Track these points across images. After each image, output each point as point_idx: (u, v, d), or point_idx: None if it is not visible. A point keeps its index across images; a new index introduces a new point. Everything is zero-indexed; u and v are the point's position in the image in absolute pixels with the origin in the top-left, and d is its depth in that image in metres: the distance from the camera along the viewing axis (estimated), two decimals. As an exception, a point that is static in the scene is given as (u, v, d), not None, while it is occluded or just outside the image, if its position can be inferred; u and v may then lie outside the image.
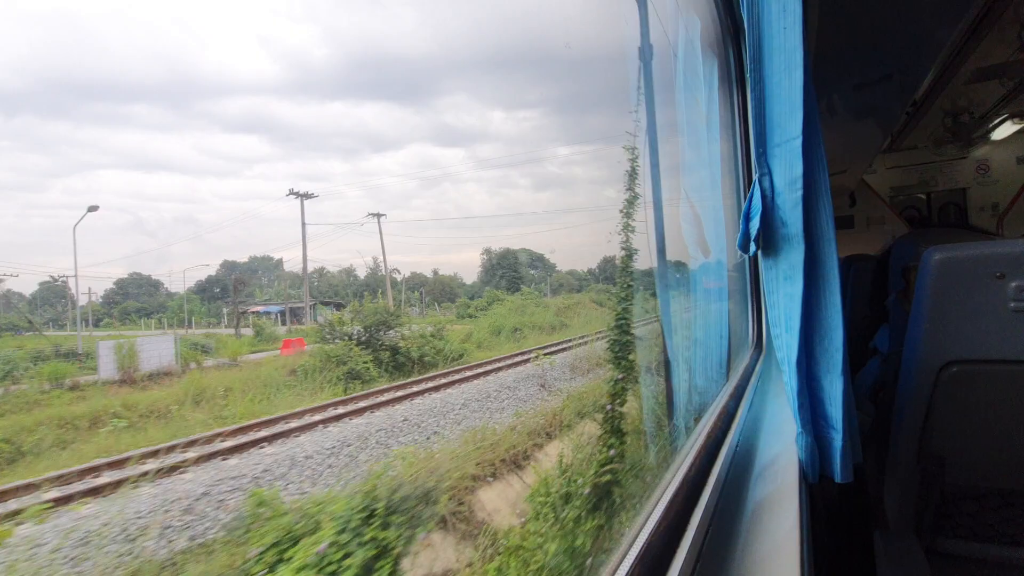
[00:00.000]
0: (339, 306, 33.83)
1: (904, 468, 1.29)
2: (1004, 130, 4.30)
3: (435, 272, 41.96)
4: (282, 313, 33.55)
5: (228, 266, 43.40)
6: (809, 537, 0.75)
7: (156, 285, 41.20)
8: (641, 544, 0.65)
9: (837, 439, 0.94)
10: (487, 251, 43.98)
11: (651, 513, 0.73)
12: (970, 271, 1.14)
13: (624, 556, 0.65)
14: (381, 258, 43.08)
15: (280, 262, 44.50)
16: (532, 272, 45.27)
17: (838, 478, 0.95)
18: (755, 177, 0.97)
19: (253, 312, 33.31)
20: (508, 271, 42.88)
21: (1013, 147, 4.76)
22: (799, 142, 0.88)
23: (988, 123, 4.17)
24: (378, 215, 28.93)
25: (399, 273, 42.79)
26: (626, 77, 1.75)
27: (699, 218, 1.75)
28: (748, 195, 0.99)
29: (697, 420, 1.30)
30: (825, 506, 1.33)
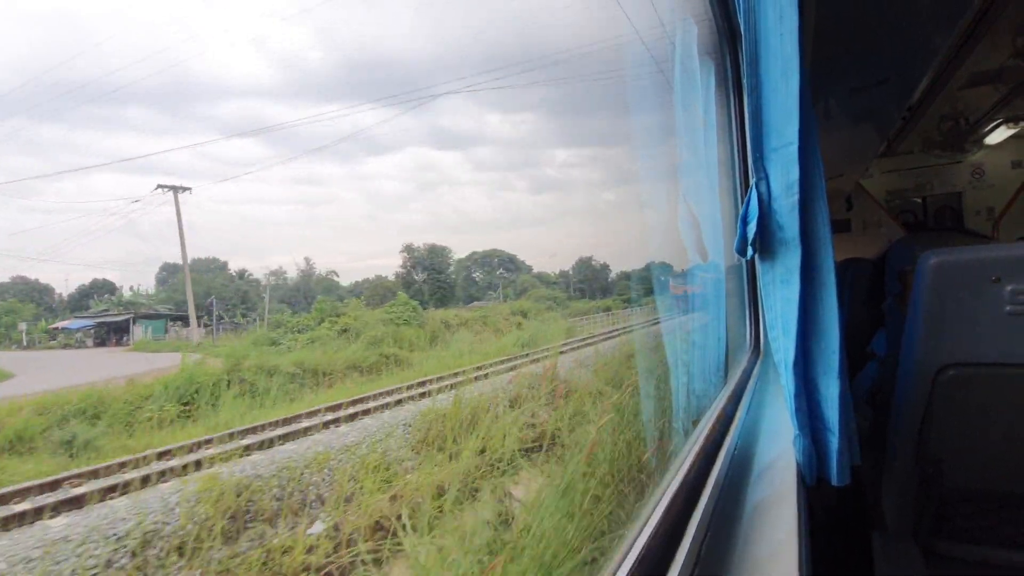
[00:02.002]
0: (181, 319, 26.56)
1: (902, 471, 1.29)
2: (999, 135, 4.33)
3: (396, 275, 35.79)
4: (93, 329, 26.01)
5: (169, 268, 37.24)
6: (807, 539, 0.75)
7: (45, 291, 34.64)
8: (640, 547, 0.65)
9: (833, 441, 0.95)
10: (408, 248, 35.85)
11: (650, 516, 0.74)
12: (966, 275, 1.14)
13: (623, 559, 0.65)
14: (311, 258, 37.56)
15: (225, 265, 38.72)
16: (507, 276, 39.66)
17: (834, 480, 0.96)
18: (752, 182, 0.98)
19: (54, 328, 25.93)
20: (433, 274, 34.96)
21: (1008, 151, 4.79)
22: (795, 147, 0.89)
23: (983, 128, 4.19)
24: (175, 188, 20.07)
25: (336, 275, 38.21)
26: (623, 80, 1.76)
27: (697, 221, 1.76)
28: (745, 199, 1.00)
29: (695, 423, 1.30)
30: (823, 508, 1.33)
